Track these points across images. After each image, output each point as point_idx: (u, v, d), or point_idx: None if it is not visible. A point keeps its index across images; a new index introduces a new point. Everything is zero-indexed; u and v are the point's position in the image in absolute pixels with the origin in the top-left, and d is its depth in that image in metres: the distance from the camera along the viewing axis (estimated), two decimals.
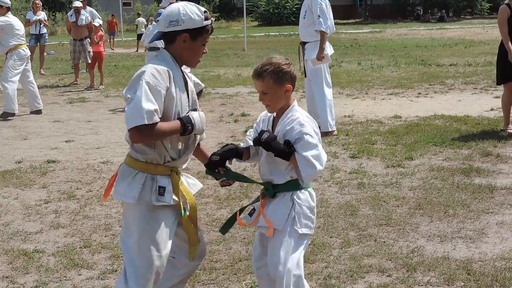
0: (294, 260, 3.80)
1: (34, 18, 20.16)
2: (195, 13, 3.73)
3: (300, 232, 3.84)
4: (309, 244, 5.63)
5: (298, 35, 11.28)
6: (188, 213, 3.86)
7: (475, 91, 14.74)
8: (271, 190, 3.91)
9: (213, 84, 17.12)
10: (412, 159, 8.51)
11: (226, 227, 4.17)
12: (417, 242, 5.68)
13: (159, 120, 3.56)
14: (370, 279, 4.96)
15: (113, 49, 32.67)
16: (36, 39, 20.42)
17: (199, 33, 3.76)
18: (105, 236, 6.02)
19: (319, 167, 3.77)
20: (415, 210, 6.53)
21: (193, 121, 3.71)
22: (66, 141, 10.37)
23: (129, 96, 3.58)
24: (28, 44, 15.78)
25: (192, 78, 4.08)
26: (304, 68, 10.74)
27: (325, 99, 10.33)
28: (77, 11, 17.48)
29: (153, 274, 3.74)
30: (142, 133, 3.56)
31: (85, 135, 10.96)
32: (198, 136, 3.93)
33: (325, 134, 10.17)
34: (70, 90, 17.08)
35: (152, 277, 3.75)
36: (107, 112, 13.36)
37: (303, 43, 10.59)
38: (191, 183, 4.04)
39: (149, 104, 3.52)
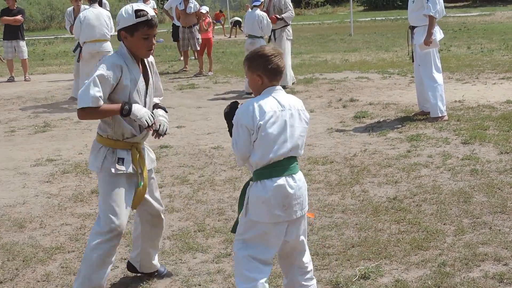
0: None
1: None
2: (127, 12, 4.31)
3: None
4: (422, 231, 5.60)
5: (405, 19, 11.14)
6: (143, 184, 4.53)
7: None
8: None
9: (320, 69, 17.07)
10: None
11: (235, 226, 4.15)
12: None
13: (101, 104, 4.22)
14: (486, 267, 4.87)
15: (225, 36, 33.00)
16: None
17: (134, 29, 4.30)
18: (218, 221, 6.14)
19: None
20: None
21: (131, 107, 4.31)
22: (177, 127, 10.61)
23: (85, 81, 4.28)
24: None
25: (154, 69, 4.68)
26: (412, 53, 10.58)
27: (435, 84, 10.13)
28: None
29: (112, 229, 4.39)
30: (85, 112, 4.26)
31: (195, 120, 11.18)
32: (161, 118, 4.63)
33: (435, 119, 10.01)
34: (179, 76, 17.45)
35: (111, 232, 4.39)
36: (216, 98, 13.57)
37: (412, 28, 10.41)
38: (151, 157, 4.76)
39: (96, 90, 4.20)
